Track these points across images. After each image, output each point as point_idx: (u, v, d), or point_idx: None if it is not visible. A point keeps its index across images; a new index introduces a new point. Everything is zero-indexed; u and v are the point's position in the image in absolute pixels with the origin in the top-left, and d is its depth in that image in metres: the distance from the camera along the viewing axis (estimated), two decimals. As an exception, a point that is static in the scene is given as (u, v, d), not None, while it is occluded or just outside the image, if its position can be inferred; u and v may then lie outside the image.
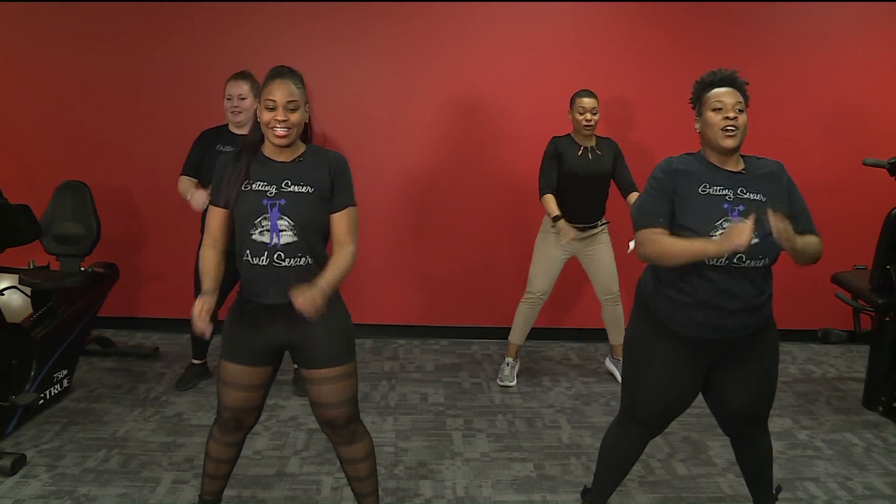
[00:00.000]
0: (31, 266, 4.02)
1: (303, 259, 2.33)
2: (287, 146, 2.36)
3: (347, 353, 2.45)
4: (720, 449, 3.46)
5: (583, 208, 4.10)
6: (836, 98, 4.94)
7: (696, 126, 2.42)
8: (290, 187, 2.33)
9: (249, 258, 2.33)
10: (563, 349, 4.97)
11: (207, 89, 4.63)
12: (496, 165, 4.91)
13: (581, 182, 4.06)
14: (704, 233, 2.27)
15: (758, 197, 2.33)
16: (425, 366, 4.62)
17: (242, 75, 3.86)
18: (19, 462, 3.11)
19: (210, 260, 2.42)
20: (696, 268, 2.29)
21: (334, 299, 2.42)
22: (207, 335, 2.30)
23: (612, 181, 4.17)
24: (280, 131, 2.30)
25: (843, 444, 3.60)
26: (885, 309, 3.89)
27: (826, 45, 4.90)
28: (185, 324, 4.10)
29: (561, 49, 4.82)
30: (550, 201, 4.04)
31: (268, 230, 2.30)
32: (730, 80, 2.38)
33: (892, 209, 3.89)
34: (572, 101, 4.07)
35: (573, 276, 4.58)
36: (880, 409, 3.95)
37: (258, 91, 3.86)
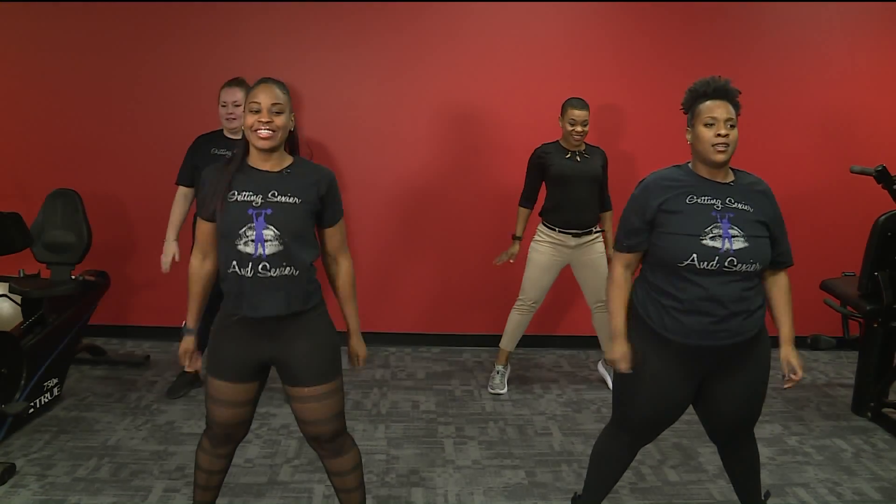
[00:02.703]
0: (22, 274, 4.00)
1: (288, 269, 2.30)
2: (271, 150, 2.33)
3: (332, 369, 2.43)
4: (711, 455, 3.47)
5: (575, 212, 4.10)
6: (825, 104, 4.97)
7: (687, 137, 2.43)
8: (276, 197, 2.30)
9: (236, 269, 2.28)
10: (554, 356, 4.98)
11: (199, 96, 4.64)
12: (488, 172, 4.92)
13: (570, 184, 4.07)
14: (693, 236, 2.30)
15: (745, 207, 2.35)
16: (416, 373, 4.62)
17: (237, 82, 3.89)
18: (9, 471, 3.10)
19: (197, 272, 2.46)
20: (684, 271, 2.31)
21: (319, 313, 2.42)
22: (197, 366, 2.56)
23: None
24: (264, 132, 2.29)
25: (832, 449, 3.62)
26: (873, 315, 3.92)
27: (815, 51, 4.93)
28: (176, 332, 4.10)
29: (553, 56, 4.84)
30: (520, 215, 4.24)
31: (252, 240, 2.26)
32: (723, 92, 2.38)
33: (880, 216, 3.92)
34: (564, 108, 4.07)
35: (564, 284, 4.59)
36: (869, 414, 3.98)
37: None
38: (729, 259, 2.28)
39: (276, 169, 2.37)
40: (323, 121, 4.87)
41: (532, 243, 4.23)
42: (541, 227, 4.18)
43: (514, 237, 4.26)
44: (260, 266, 2.26)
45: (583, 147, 4.12)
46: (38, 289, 3.80)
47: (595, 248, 4.19)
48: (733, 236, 2.29)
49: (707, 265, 2.28)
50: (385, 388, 4.35)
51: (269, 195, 2.30)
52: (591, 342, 4.58)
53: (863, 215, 4.37)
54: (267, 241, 2.26)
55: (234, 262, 2.28)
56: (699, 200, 2.34)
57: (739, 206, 2.34)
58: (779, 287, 2.50)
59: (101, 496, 3.01)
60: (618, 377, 2.57)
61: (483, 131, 4.89)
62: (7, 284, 3.87)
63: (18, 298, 3.86)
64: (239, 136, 3.83)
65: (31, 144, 4.82)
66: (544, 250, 4.14)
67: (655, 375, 2.44)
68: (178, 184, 3.98)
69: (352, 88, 4.85)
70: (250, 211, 2.28)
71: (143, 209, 4.85)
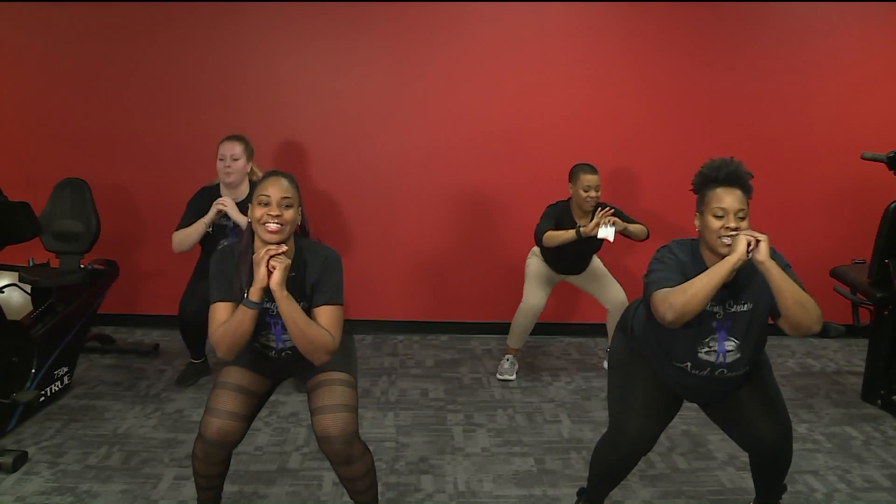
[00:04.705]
0: (31, 263, 4.02)
1: None
2: (277, 243, 2.30)
3: (347, 363, 2.51)
4: (720, 443, 3.47)
5: (568, 269, 4.28)
6: (835, 91, 4.93)
7: (696, 223, 2.34)
8: None
9: (259, 347, 2.52)
10: (562, 344, 4.98)
11: (204, 87, 4.65)
12: (495, 161, 4.91)
13: (571, 255, 4.15)
14: (691, 346, 2.32)
15: (745, 308, 2.30)
16: (425, 361, 4.62)
17: (236, 137, 3.90)
18: (21, 459, 3.12)
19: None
20: (684, 370, 2.37)
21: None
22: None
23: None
24: (272, 226, 2.28)
25: (842, 437, 3.61)
26: (883, 303, 3.90)
27: (825, 39, 4.89)
28: (185, 320, 4.14)
29: (557, 44, 4.82)
30: (555, 233, 3.95)
31: (274, 339, 2.47)
32: (734, 178, 2.25)
33: (891, 203, 3.89)
34: (574, 174, 4.04)
35: (572, 272, 4.59)
36: (879, 402, 3.96)
37: (251, 153, 3.91)
38: (719, 371, 2.34)
39: None
40: (325, 110, 4.86)
41: (529, 257, 4.32)
42: (536, 248, 4.23)
43: (577, 229, 3.94)
44: (283, 353, 2.51)
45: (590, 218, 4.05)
46: (47, 278, 3.82)
47: (591, 265, 4.30)
48: (728, 350, 2.31)
49: (699, 372, 2.36)
50: (394, 375, 4.35)
51: None
52: (600, 330, 4.58)
53: (873, 202, 4.35)
54: (286, 340, 2.46)
55: (258, 345, 2.51)
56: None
57: (739, 308, 2.30)
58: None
59: (111, 483, 3.03)
60: (613, 385, 2.58)
61: (491, 121, 4.88)
62: (17, 274, 3.89)
63: (28, 288, 3.87)
64: (237, 192, 3.90)
65: (39, 134, 4.83)
66: (540, 265, 4.26)
67: (647, 389, 2.47)
68: (177, 232, 3.90)
69: (354, 78, 4.85)
70: (268, 318, 2.42)
71: (151, 198, 4.87)
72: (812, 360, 4.75)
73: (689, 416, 3.68)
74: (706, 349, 2.31)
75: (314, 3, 4.74)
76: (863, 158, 4.03)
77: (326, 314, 2.37)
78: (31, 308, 3.85)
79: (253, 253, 2.36)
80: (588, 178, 3.99)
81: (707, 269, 2.24)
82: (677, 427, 3.63)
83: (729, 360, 2.32)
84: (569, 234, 3.92)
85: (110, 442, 3.40)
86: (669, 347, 2.38)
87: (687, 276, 2.24)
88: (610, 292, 4.23)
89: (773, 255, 2.25)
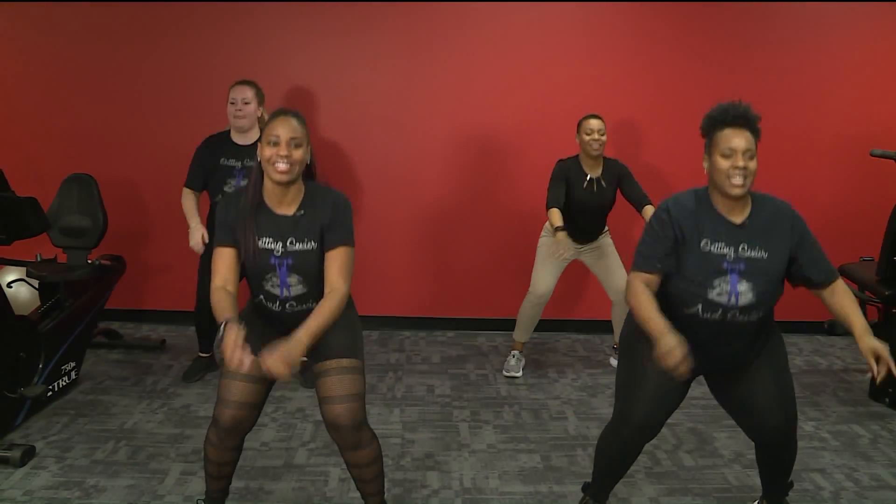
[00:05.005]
0: (39, 259, 4.03)
1: (315, 302, 2.40)
2: (287, 183, 2.32)
3: (355, 348, 2.47)
4: (726, 440, 3.46)
5: (582, 233, 4.18)
6: (843, 90, 4.91)
7: (704, 166, 2.35)
8: (294, 245, 2.36)
9: (263, 301, 2.45)
10: (569, 341, 4.97)
11: (212, 83, 4.64)
12: (502, 157, 4.91)
13: (584, 212, 4.12)
14: (701, 287, 2.28)
15: (760, 254, 2.29)
16: (431, 357, 4.62)
17: (246, 81, 3.89)
18: (29, 453, 3.13)
19: (224, 298, 2.35)
20: (688, 315, 2.32)
21: (346, 303, 2.45)
22: (247, 365, 2.14)
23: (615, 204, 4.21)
24: (282, 166, 2.28)
25: (849, 435, 3.60)
26: (891, 300, 3.88)
27: (834, 39, 4.87)
28: (191, 316, 4.15)
29: (566, 39, 4.81)
30: (555, 214, 3.97)
31: (278, 284, 2.40)
32: (742, 119, 2.27)
33: (900, 200, 3.88)
34: (579, 124, 4.07)
35: (579, 269, 4.58)
36: (887, 400, 3.95)
37: (262, 98, 3.90)
38: (732, 313, 2.29)
39: (291, 211, 2.38)
40: (335, 108, 4.86)
41: (541, 238, 4.26)
42: (549, 224, 4.19)
43: (556, 228, 3.95)
44: (287, 304, 2.43)
45: (600, 168, 4.09)
46: (54, 273, 3.83)
47: (602, 242, 4.25)
48: (740, 292, 2.28)
49: (710, 315, 2.30)
50: (400, 371, 4.36)
51: (288, 243, 2.36)
52: (607, 326, 4.57)
53: (881, 199, 4.34)
54: (291, 285, 2.40)
55: (262, 297, 2.45)
56: (712, 248, 2.28)
57: (753, 253, 2.29)
58: (838, 295, 2.37)
59: (118, 478, 3.04)
60: (620, 372, 2.56)
61: (497, 116, 4.87)
62: (24, 269, 3.90)
63: (35, 283, 3.89)
64: (247, 137, 3.86)
65: (47, 130, 4.85)
66: (552, 246, 4.15)
67: (661, 373, 2.42)
68: (187, 186, 3.96)
69: (364, 76, 4.84)
70: (273, 260, 2.37)
71: (158, 194, 4.87)
72: (819, 357, 4.74)
73: (696, 414, 3.68)
74: (717, 290, 2.27)
75: (322, 1, 4.74)
76: (872, 156, 4.02)
77: (340, 256, 2.38)
78: (38, 303, 3.86)
79: (262, 194, 2.37)
80: (591, 123, 4.01)
81: (719, 218, 2.30)
82: (684, 424, 3.63)
83: (741, 302, 2.27)
84: (552, 220, 3.95)
85: (117, 437, 3.41)
86: (679, 291, 2.32)
87: (689, 223, 2.29)
88: (615, 279, 4.17)
89: (797, 224, 2.32)
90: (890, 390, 3.93)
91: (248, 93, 3.84)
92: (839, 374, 4.44)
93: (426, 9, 4.78)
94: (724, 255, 2.28)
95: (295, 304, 2.43)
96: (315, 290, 2.41)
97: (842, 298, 2.36)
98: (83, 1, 4.70)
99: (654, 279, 2.34)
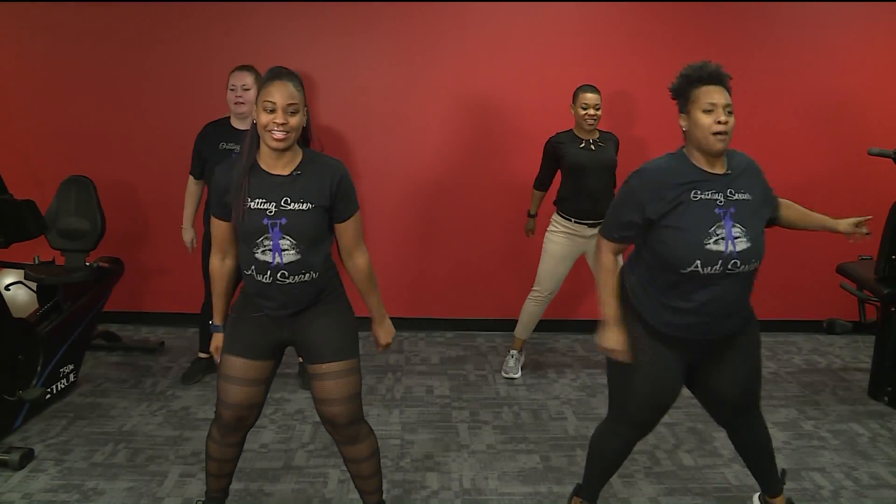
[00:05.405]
0: (37, 261, 4.02)
1: (307, 275, 2.34)
2: (284, 150, 2.28)
3: (350, 348, 2.45)
4: (726, 440, 3.44)
5: (589, 202, 4.05)
6: (841, 89, 4.91)
7: (682, 124, 2.37)
8: (289, 205, 2.28)
9: (254, 274, 2.33)
10: (568, 341, 4.97)
11: (211, 84, 4.62)
12: (502, 157, 4.90)
13: (586, 173, 4.05)
14: (699, 236, 2.27)
15: (746, 196, 2.33)
16: (430, 358, 4.62)
17: (246, 67, 3.90)
18: (27, 456, 3.13)
19: (219, 271, 2.49)
20: (686, 276, 2.30)
21: (337, 295, 2.47)
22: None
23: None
24: (278, 134, 2.22)
25: (848, 434, 3.60)
26: (890, 299, 3.88)
27: (829, 35, 4.87)
28: (190, 318, 4.15)
29: (566, 39, 4.81)
30: (534, 196, 4.36)
31: (270, 249, 2.29)
32: (717, 77, 2.31)
33: (898, 199, 3.88)
34: (575, 95, 4.07)
35: (578, 269, 4.57)
36: (886, 399, 3.95)
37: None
38: (732, 262, 2.28)
39: (287, 171, 2.31)
40: (335, 107, 4.85)
41: (547, 234, 4.21)
42: (555, 216, 4.16)
43: (530, 214, 4.43)
44: (279, 274, 2.31)
45: (596, 135, 4.10)
46: (53, 275, 3.82)
47: None
48: (736, 237, 2.27)
49: (711, 269, 2.28)
50: (399, 372, 4.35)
51: (283, 202, 2.28)
52: (605, 327, 4.56)
53: (879, 198, 4.33)
54: (284, 250, 2.29)
55: (253, 268, 2.33)
56: (703, 196, 2.30)
57: (740, 196, 2.32)
58: (788, 209, 2.58)
59: (117, 481, 3.03)
60: (613, 370, 2.57)
61: (496, 116, 4.87)
62: (22, 271, 3.89)
63: (34, 285, 3.88)
64: (247, 123, 3.84)
65: (45, 132, 4.84)
66: (559, 240, 4.13)
67: (650, 367, 2.45)
68: (191, 174, 4.02)
69: (364, 74, 4.83)
70: (265, 220, 2.27)
71: (156, 196, 4.86)
72: (818, 356, 4.74)
73: (696, 413, 3.68)
74: (714, 238, 2.26)
75: (321, 1, 4.73)
76: (870, 154, 4.02)
77: (353, 226, 2.42)
78: (36, 306, 3.85)
79: (257, 159, 2.33)
80: (587, 97, 4.00)
81: (703, 173, 2.33)
82: (683, 424, 3.63)
83: (739, 247, 2.27)
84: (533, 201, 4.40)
85: (116, 439, 3.40)
86: (676, 248, 2.30)
87: (672, 182, 2.31)
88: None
89: (760, 170, 2.43)
90: (889, 389, 3.93)
91: (248, 79, 3.84)
92: (838, 373, 4.44)
93: (423, 12, 4.76)
94: (715, 200, 2.31)
95: (286, 273, 2.30)
96: (307, 260, 2.32)
97: (791, 208, 2.58)
98: (81, 1, 4.69)
99: (623, 247, 2.48)
